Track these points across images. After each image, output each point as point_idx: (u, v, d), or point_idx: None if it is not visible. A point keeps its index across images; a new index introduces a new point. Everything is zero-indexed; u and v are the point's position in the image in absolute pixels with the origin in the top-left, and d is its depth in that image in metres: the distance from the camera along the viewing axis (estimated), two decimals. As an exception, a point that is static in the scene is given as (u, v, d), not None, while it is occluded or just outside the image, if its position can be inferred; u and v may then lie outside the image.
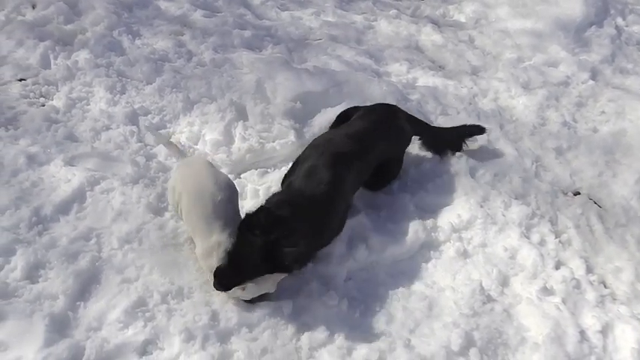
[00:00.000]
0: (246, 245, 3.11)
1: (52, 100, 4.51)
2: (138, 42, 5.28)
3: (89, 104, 4.51)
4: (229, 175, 3.79)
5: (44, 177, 3.80)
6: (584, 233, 4.04)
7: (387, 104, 4.39)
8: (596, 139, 5.05)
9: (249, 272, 3.12)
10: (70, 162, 3.93)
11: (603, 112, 5.42)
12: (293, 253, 3.09)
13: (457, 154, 4.39)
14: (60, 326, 2.98)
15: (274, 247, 3.07)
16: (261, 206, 3.27)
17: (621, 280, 3.74)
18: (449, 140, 4.44)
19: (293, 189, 3.46)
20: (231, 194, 3.41)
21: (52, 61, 4.86)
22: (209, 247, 3.20)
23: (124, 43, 5.20)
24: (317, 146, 3.76)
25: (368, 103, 4.55)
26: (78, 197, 3.69)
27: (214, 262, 3.15)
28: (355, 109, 4.29)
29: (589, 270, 3.76)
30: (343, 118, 4.26)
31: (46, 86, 4.61)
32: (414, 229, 3.74)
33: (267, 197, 3.47)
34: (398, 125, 4.11)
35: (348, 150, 3.68)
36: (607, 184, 4.56)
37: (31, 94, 4.52)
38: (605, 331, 3.34)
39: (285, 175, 3.76)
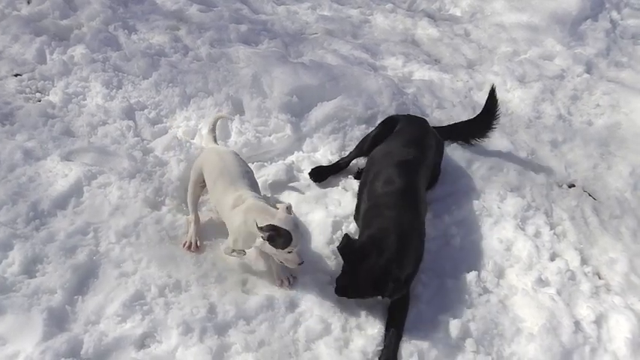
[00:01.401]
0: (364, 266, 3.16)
1: (49, 95, 4.51)
2: (134, 37, 5.28)
3: (86, 99, 4.51)
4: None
5: (41, 172, 3.79)
6: (579, 225, 4.07)
7: (418, 117, 4.40)
8: (591, 132, 5.09)
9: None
10: (67, 157, 3.93)
11: (598, 105, 5.47)
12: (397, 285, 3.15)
13: (452, 145, 4.42)
14: (58, 320, 2.99)
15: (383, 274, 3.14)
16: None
17: (615, 271, 3.78)
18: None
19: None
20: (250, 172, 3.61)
21: (48, 56, 4.86)
22: (234, 199, 3.29)
23: (120, 38, 5.20)
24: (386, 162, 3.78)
25: (364, 97, 4.56)
26: (75, 192, 3.69)
27: (238, 218, 3.21)
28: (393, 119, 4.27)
29: (584, 261, 3.80)
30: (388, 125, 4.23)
31: (42, 81, 4.61)
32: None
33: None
34: (437, 135, 4.19)
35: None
36: (602, 176, 4.60)
37: (27, 90, 4.52)
38: (599, 321, 3.37)
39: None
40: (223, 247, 3.40)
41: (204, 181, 3.60)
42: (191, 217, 3.56)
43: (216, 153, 3.67)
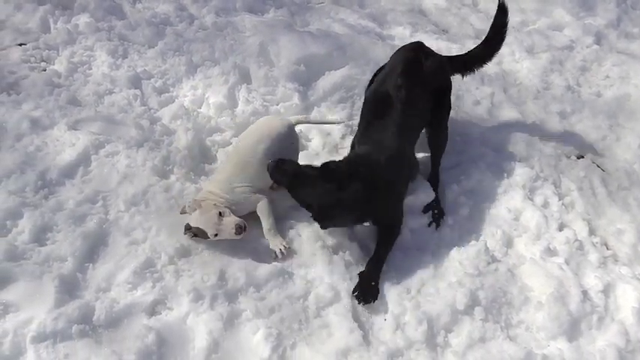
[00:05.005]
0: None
1: (54, 64, 4.49)
2: (139, 6, 5.25)
3: (91, 68, 4.49)
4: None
5: (48, 141, 3.79)
6: (587, 196, 4.05)
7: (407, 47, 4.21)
8: (600, 104, 5.04)
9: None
10: (73, 126, 3.91)
11: (607, 76, 5.40)
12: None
13: (460, 115, 4.37)
14: (69, 287, 3.01)
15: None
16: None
17: (623, 241, 3.77)
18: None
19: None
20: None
21: (52, 25, 4.83)
22: None
23: (124, 6, 5.18)
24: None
25: (372, 66, 4.53)
26: (83, 161, 3.69)
27: None
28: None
29: (592, 232, 3.79)
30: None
31: (46, 51, 4.58)
32: (423, 191, 3.76)
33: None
34: (428, 54, 4.01)
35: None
36: (610, 147, 4.56)
37: (32, 59, 4.50)
38: (606, 290, 3.37)
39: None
40: None
41: None
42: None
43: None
